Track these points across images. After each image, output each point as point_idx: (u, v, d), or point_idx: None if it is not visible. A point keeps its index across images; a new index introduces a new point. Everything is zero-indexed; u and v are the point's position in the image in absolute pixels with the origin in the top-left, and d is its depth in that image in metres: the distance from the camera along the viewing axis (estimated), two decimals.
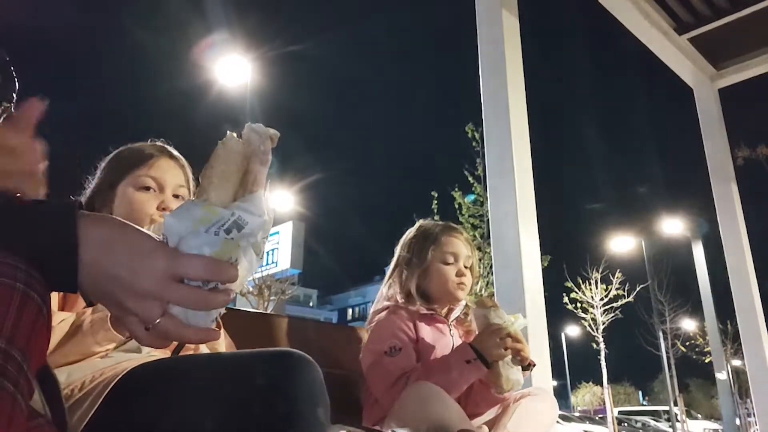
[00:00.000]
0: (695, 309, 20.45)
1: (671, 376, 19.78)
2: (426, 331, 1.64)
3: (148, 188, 1.22)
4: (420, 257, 1.71)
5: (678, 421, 18.82)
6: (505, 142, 2.42)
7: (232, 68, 12.77)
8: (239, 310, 1.88)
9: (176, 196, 1.26)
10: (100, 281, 0.55)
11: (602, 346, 17.50)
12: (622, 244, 19.25)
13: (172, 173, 1.26)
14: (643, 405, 36.00)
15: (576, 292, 17.22)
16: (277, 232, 17.98)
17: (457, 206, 12.40)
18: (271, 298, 14.97)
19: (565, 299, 17.28)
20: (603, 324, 17.25)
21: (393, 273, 1.77)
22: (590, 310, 17.34)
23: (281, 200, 15.91)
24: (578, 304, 17.34)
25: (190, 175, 1.31)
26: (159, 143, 1.32)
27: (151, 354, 1.03)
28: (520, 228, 2.28)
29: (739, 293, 3.77)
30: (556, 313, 20.08)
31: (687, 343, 22.55)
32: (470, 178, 12.42)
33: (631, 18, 3.58)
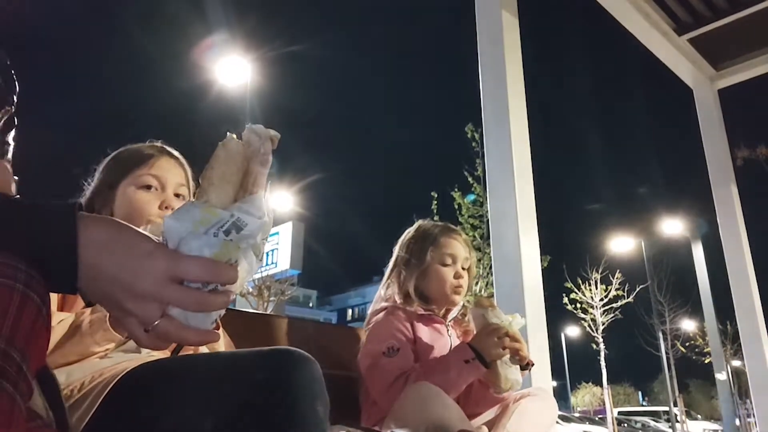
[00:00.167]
0: (695, 309, 20.48)
1: (671, 377, 19.79)
2: (424, 332, 1.64)
3: (149, 187, 1.22)
4: (418, 258, 1.70)
5: (678, 421, 18.82)
6: (505, 143, 2.42)
7: (232, 68, 12.75)
8: (239, 310, 1.88)
9: (177, 195, 1.25)
10: (99, 282, 0.55)
11: (602, 346, 17.48)
12: (621, 244, 19.26)
13: (173, 172, 1.26)
14: (642, 405, 36.00)
15: (576, 293, 17.21)
16: (277, 233, 17.94)
17: (456, 207, 12.40)
18: (271, 298, 14.94)
19: (565, 300, 17.28)
20: (603, 324, 17.23)
21: (391, 273, 1.76)
22: (590, 310, 17.32)
23: (281, 201, 15.89)
24: (578, 305, 17.34)
25: (190, 175, 1.31)
26: (158, 144, 1.31)
27: (150, 354, 1.03)
28: (520, 228, 2.28)
29: (738, 294, 3.76)
30: (556, 314, 20.09)
31: (687, 344, 22.59)
32: (470, 179, 12.43)
33: (630, 19, 3.58)
